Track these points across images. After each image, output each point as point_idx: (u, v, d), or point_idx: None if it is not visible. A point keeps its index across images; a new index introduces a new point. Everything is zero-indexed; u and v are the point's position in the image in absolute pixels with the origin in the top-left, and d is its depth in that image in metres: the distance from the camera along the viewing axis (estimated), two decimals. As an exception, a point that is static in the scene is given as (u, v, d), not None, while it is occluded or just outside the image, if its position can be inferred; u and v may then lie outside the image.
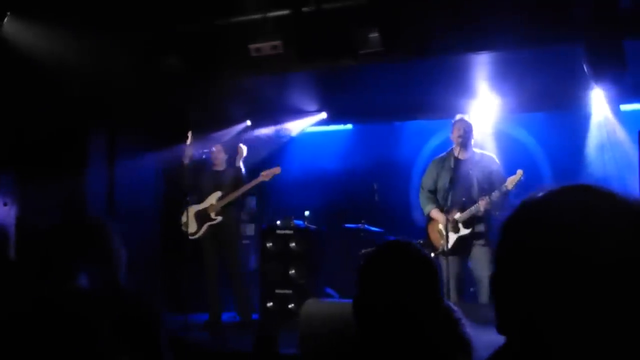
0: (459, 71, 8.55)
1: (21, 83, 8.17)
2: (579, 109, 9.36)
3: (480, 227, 7.38)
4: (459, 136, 7.45)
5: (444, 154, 7.68)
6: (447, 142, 8.95)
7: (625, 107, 9.39)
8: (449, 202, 7.44)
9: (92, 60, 8.02)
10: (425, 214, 7.72)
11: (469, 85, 9.02)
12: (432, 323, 2.48)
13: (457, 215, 7.39)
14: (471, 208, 7.32)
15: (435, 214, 7.48)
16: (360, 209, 9.88)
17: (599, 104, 9.20)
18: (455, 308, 2.76)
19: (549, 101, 9.28)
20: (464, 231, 7.39)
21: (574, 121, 9.61)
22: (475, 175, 7.44)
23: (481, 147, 8.00)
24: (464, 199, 7.41)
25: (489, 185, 7.33)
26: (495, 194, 7.20)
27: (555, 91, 9.00)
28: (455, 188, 7.44)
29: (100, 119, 9.24)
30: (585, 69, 6.86)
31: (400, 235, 2.81)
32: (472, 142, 7.68)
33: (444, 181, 7.47)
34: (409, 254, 2.54)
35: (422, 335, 2.41)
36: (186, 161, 9.08)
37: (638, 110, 9.24)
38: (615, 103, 9.17)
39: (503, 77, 8.64)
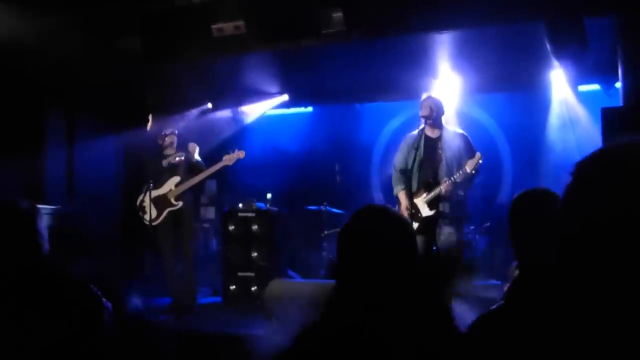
0: (420, 51, 8.55)
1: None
2: (538, 89, 9.46)
3: (445, 208, 7.35)
4: (427, 114, 7.37)
5: (415, 131, 7.57)
6: (408, 123, 8.98)
7: (583, 88, 9.51)
8: (415, 183, 7.45)
9: (49, 40, 7.87)
10: (395, 195, 7.67)
11: (430, 66, 9.03)
12: (413, 287, 2.48)
13: (423, 196, 7.39)
14: (435, 189, 7.32)
15: (402, 196, 7.46)
16: (321, 190, 9.92)
17: (559, 84, 9.31)
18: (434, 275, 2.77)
19: (509, 82, 9.35)
20: (427, 212, 7.38)
21: (534, 102, 9.72)
22: (444, 154, 7.41)
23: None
24: (430, 179, 7.40)
25: (457, 164, 7.29)
26: (457, 176, 7.21)
27: (515, 72, 9.08)
28: (423, 168, 7.43)
29: (58, 100, 9.10)
30: (548, 47, 6.91)
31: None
32: (444, 119, 7.63)
33: (413, 160, 7.34)
34: (387, 216, 2.55)
35: (402, 298, 2.41)
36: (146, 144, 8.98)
37: (596, 90, 9.33)
38: (574, 83, 9.28)
39: (464, 57, 8.67)
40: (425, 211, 7.39)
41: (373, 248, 2.45)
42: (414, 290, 2.48)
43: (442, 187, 7.25)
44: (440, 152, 7.43)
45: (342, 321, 2.41)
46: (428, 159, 7.46)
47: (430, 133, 7.53)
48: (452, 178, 7.22)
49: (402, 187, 7.51)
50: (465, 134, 7.59)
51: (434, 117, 7.42)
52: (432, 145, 7.49)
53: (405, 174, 7.47)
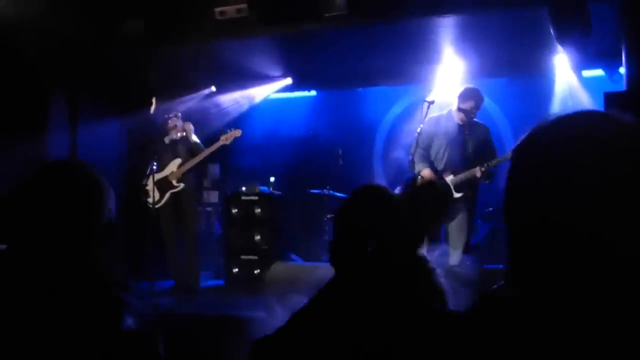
0: (423, 36, 8.54)
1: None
2: (542, 74, 9.43)
3: (469, 193, 7.45)
4: (472, 107, 7.39)
5: (441, 113, 7.60)
6: (411, 108, 8.98)
7: (587, 73, 9.48)
8: (443, 164, 7.51)
9: (52, 22, 7.84)
10: (417, 172, 7.52)
11: (433, 51, 9.03)
12: (407, 268, 2.48)
13: (450, 178, 7.41)
14: (466, 172, 7.35)
15: (428, 173, 7.43)
16: (324, 174, 9.91)
17: (563, 69, 9.28)
18: (429, 258, 2.76)
19: (513, 66, 9.33)
20: (455, 194, 7.41)
21: (537, 86, 9.70)
22: (470, 141, 7.46)
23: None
24: (458, 163, 7.44)
25: (481, 154, 7.38)
26: (493, 163, 7.23)
27: (518, 56, 9.05)
28: (452, 151, 7.49)
29: (61, 83, 9.06)
30: (551, 32, 6.89)
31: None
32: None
33: (440, 142, 7.48)
34: (382, 197, 2.55)
35: (397, 280, 2.42)
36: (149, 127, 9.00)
37: (600, 76, 9.30)
38: (577, 69, 9.26)
39: (467, 42, 8.66)
40: (453, 193, 7.43)
41: (369, 231, 2.45)
42: (410, 274, 2.48)
43: (477, 172, 7.26)
44: (466, 138, 7.47)
45: (335, 305, 2.41)
46: (456, 143, 7.50)
47: (458, 119, 7.52)
48: (487, 164, 7.25)
49: (427, 165, 7.52)
50: (486, 126, 7.69)
51: (476, 112, 7.48)
52: (460, 131, 7.51)
53: (429, 152, 7.55)
